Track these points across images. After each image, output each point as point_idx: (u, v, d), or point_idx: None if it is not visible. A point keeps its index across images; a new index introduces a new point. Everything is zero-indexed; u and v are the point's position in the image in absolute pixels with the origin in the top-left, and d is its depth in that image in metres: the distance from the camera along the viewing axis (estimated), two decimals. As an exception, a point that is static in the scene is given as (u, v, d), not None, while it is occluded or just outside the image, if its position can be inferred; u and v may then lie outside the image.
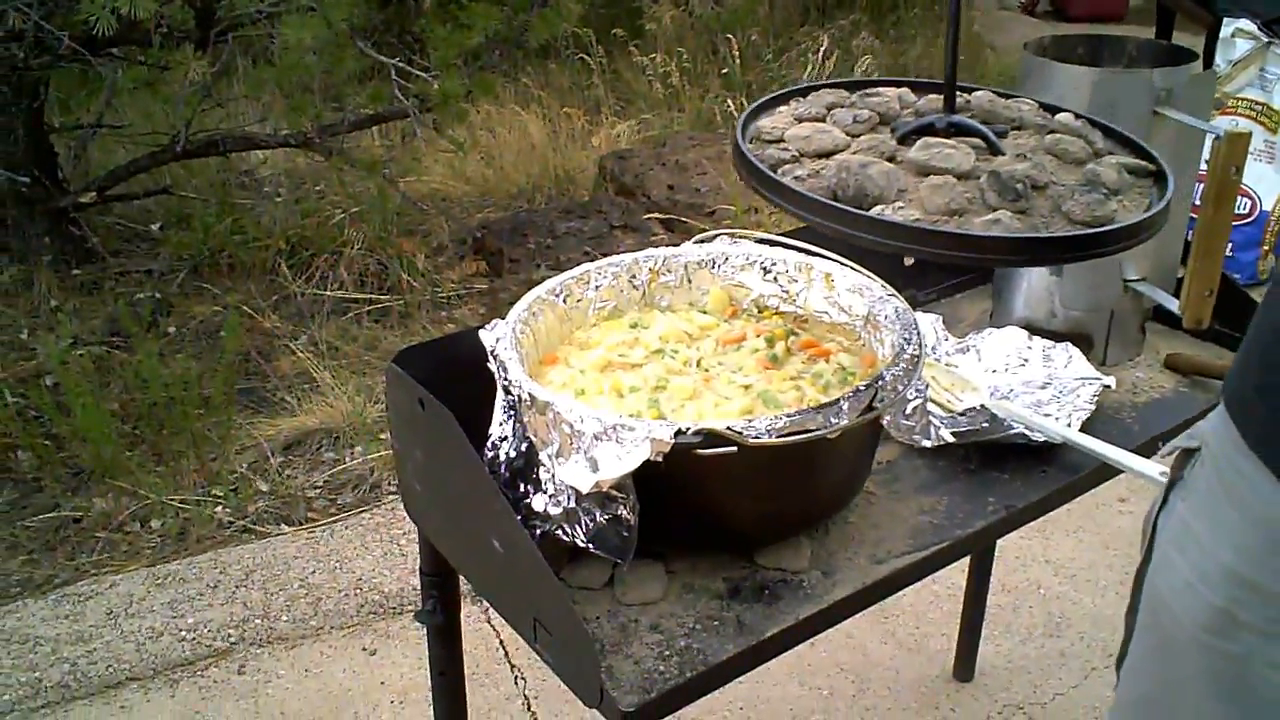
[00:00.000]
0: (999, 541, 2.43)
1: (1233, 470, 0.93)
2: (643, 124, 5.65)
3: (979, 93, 1.31)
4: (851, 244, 1.05)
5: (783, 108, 1.30)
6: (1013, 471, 1.39)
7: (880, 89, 1.32)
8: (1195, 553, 0.96)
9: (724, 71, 5.89)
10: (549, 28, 4.67)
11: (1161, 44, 1.66)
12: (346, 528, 3.01)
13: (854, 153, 1.16)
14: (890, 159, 1.15)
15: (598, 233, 4.38)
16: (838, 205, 1.06)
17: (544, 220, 4.53)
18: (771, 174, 1.12)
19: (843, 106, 1.27)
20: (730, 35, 5.93)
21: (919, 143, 1.16)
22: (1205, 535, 0.95)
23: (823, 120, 1.25)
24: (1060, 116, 1.28)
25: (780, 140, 1.21)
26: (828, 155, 1.17)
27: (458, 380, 1.24)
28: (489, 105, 5.30)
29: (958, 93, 1.24)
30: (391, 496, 3.11)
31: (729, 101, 5.24)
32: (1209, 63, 4.70)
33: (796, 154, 1.17)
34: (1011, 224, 1.05)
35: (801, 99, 1.32)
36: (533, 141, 5.28)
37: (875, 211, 1.06)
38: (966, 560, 2.39)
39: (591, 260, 1.46)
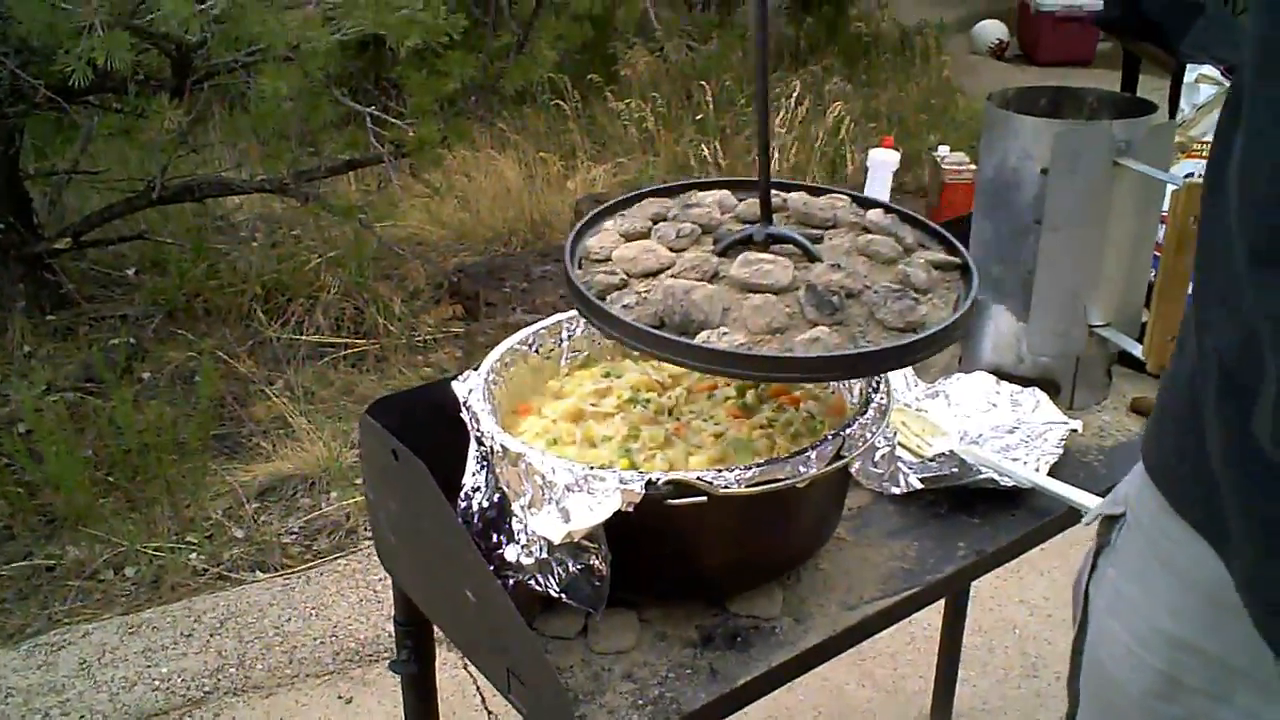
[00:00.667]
0: (974, 583, 2.45)
1: (1162, 535, 0.94)
2: (618, 168, 5.70)
3: (794, 194, 1.36)
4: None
5: (609, 223, 1.33)
6: (983, 516, 1.41)
7: (700, 195, 1.37)
8: (1132, 618, 0.97)
9: (698, 117, 5.95)
10: (524, 74, 4.72)
11: (1123, 95, 1.69)
12: (322, 574, 3.00)
13: (679, 272, 1.20)
14: (714, 275, 1.19)
15: (574, 276, 4.40)
16: (665, 335, 1.10)
17: (520, 264, 4.55)
18: (599, 302, 1.15)
19: (666, 219, 1.31)
20: (704, 81, 6.00)
21: (740, 258, 1.20)
22: (1140, 601, 0.96)
23: (647, 235, 1.29)
24: (871, 214, 1.34)
25: (608, 260, 1.24)
26: (654, 275, 1.21)
27: (431, 430, 1.25)
28: (465, 150, 5.34)
29: (775, 192, 1.31)
30: (367, 542, 3.10)
31: (703, 146, 5.30)
32: (1174, 107, 4.77)
33: (624, 277, 1.21)
34: (830, 339, 1.10)
35: (626, 211, 1.35)
36: (509, 186, 5.32)
37: (701, 339, 1.10)
38: (942, 602, 2.40)
39: (568, 304, 1.47)
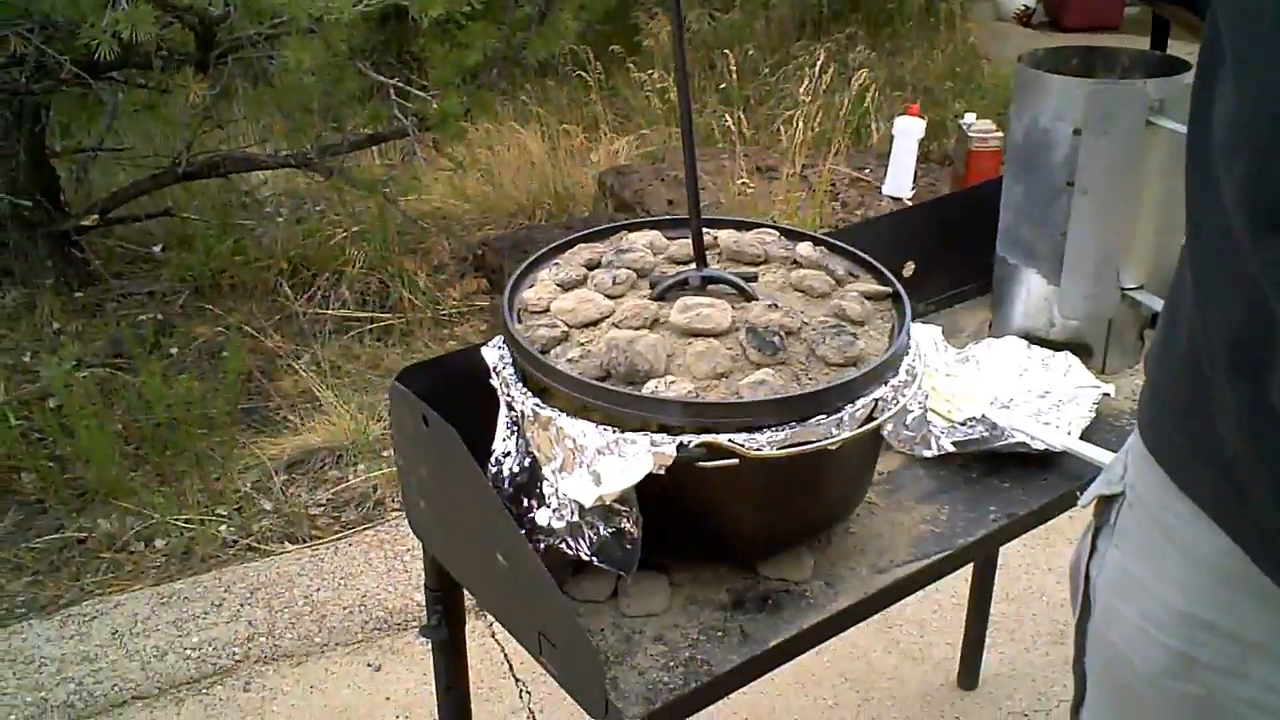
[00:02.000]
0: (1002, 549, 2.44)
1: (1168, 513, 0.92)
2: (641, 139, 5.67)
3: (723, 232, 1.39)
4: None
5: (543, 272, 1.34)
6: (1013, 480, 1.40)
7: (632, 237, 1.39)
8: (1142, 598, 0.95)
9: (721, 86, 5.92)
10: (547, 45, 4.69)
11: (1155, 54, 1.67)
12: (350, 545, 3.02)
13: (619, 321, 1.21)
14: (655, 322, 1.20)
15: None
16: (612, 388, 1.10)
17: (544, 237, 4.54)
18: (542, 358, 1.16)
19: (600, 266, 1.32)
20: (727, 51, 5.95)
21: (679, 303, 1.21)
22: (1150, 580, 0.94)
23: (584, 284, 1.29)
24: (800, 247, 1.35)
25: (547, 312, 1.25)
26: (595, 325, 1.22)
27: (461, 397, 1.25)
28: (488, 123, 5.32)
29: (705, 230, 1.34)
30: (395, 513, 3.12)
31: (727, 116, 5.26)
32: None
33: (565, 328, 1.22)
34: (775, 381, 1.11)
35: (559, 258, 1.37)
36: (532, 159, 5.30)
37: (649, 389, 1.11)
38: (969, 569, 2.39)
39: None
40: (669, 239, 1.40)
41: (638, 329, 1.19)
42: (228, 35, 3.82)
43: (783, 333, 1.16)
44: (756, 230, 1.40)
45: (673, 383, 1.11)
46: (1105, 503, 1.02)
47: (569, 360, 1.16)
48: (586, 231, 1.43)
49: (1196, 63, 0.84)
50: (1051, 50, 1.69)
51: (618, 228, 1.43)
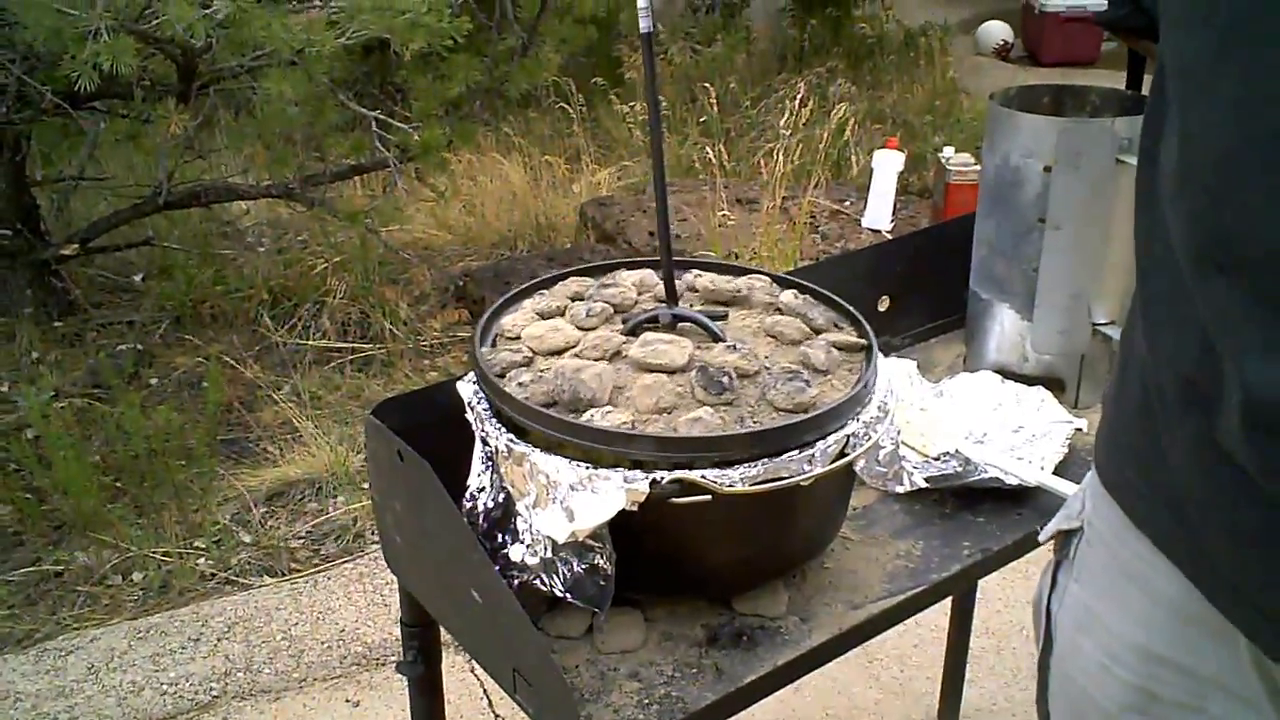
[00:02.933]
0: (981, 583, 2.45)
1: (1126, 549, 0.93)
2: (623, 171, 5.70)
3: (708, 275, 1.41)
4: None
5: (528, 301, 1.36)
6: (988, 515, 1.41)
7: (623, 274, 1.41)
8: (1103, 635, 0.96)
9: (702, 119, 5.96)
10: (529, 77, 4.73)
11: (1125, 93, 1.69)
12: (329, 578, 3.00)
13: (581, 351, 1.23)
14: (615, 354, 1.22)
15: (579, 279, 4.41)
16: (550, 414, 1.12)
17: (526, 268, 4.55)
18: (496, 380, 1.18)
19: (583, 299, 1.34)
20: (708, 84, 6.00)
21: (640, 338, 1.23)
22: (1111, 616, 0.95)
23: (562, 314, 1.31)
24: (785, 295, 1.37)
25: (517, 339, 1.27)
26: (560, 353, 1.24)
27: (437, 431, 1.25)
28: (470, 154, 5.35)
29: (692, 271, 1.40)
30: (375, 546, 3.11)
31: (708, 148, 5.30)
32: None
33: (530, 354, 1.24)
34: (713, 419, 1.12)
35: (547, 290, 1.38)
36: (514, 189, 5.32)
37: (586, 417, 1.12)
38: (949, 603, 2.39)
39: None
40: (660, 278, 1.41)
41: (596, 360, 1.21)
42: (209, 66, 3.83)
43: (734, 374, 1.18)
44: (748, 275, 1.42)
45: (609, 413, 1.13)
46: (1065, 537, 1.03)
47: (519, 384, 1.18)
48: (581, 266, 1.44)
49: (1146, 105, 0.86)
50: (1023, 89, 1.71)
51: (613, 265, 1.45)
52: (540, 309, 1.33)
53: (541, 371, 1.21)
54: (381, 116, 4.01)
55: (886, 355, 1.75)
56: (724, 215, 4.83)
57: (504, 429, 1.18)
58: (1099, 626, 0.96)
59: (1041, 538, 1.08)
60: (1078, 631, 0.99)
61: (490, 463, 1.22)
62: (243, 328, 4.28)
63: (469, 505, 1.23)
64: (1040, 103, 1.70)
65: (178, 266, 4.52)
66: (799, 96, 5.33)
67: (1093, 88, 1.73)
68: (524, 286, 1.39)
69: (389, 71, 5.30)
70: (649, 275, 1.42)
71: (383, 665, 2.71)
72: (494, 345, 1.28)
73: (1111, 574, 0.95)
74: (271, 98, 3.47)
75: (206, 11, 3.11)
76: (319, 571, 3.04)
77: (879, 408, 1.20)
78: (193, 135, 4.25)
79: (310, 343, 4.15)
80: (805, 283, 1.41)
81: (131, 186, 4.73)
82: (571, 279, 1.41)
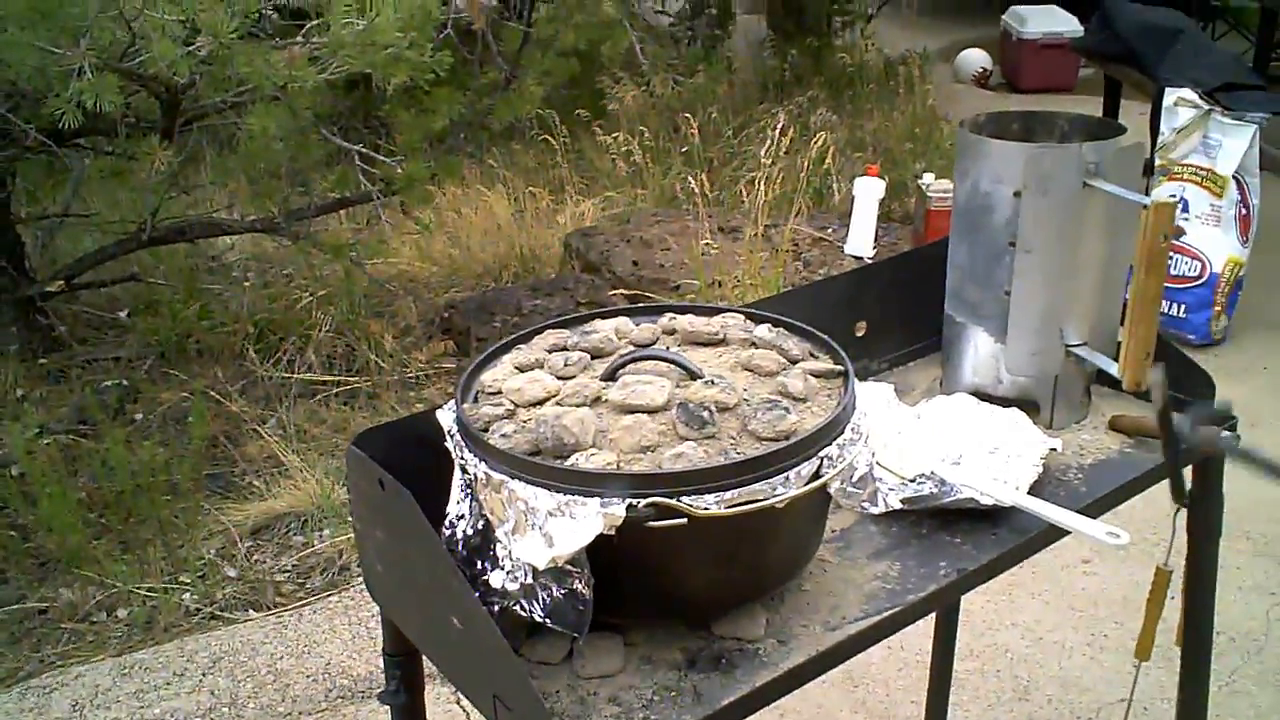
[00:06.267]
0: (964, 606, 2.46)
1: None
2: (607, 202, 5.73)
3: (685, 316, 1.43)
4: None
5: (507, 356, 1.38)
6: (964, 535, 1.42)
7: (598, 323, 1.43)
8: None
9: (685, 149, 6.00)
10: (512, 110, 4.76)
11: (1093, 118, 1.72)
12: (314, 611, 3.00)
13: (562, 399, 1.25)
14: (595, 399, 1.24)
15: (564, 310, 4.42)
16: (535, 460, 1.14)
17: (511, 299, 4.57)
18: (481, 434, 1.19)
19: (561, 349, 1.37)
20: (690, 114, 6.05)
21: (620, 381, 1.25)
22: None
23: (541, 366, 1.33)
24: (759, 330, 1.40)
25: (498, 394, 1.29)
26: (541, 404, 1.26)
27: (418, 460, 1.27)
28: (455, 186, 5.37)
29: (668, 315, 1.43)
30: (360, 578, 3.11)
31: (690, 178, 5.34)
32: (1155, 131, 4.83)
33: (511, 407, 1.25)
34: (696, 454, 1.14)
35: (524, 345, 1.40)
36: (499, 221, 5.35)
37: (571, 461, 1.14)
38: (933, 626, 2.40)
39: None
40: (635, 324, 1.45)
41: (578, 406, 1.23)
42: (193, 103, 3.86)
43: (715, 408, 1.20)
44: (722, 315, 1.45)
45: (594, 455, 1.14)
46: None
47: (503, 435, 1.19)
48: (555, 320, 1.46)
49: None
50: (993, 115, 1.74)
51: (589, 316, 1.47)
52: (519, 362, 1.35)
53: (524, 422, 1.22)
54: (365, 150, 4.04)
55: (865, 379, 1.77)
56: (707, 244, 4.86)
57: (482, 456, 1.19)
58: None
59: None
60: None
61: (469, 490, 1.23)
62: (228, 362, 4.28)
63: (449, 532, 1.24)
64: (1010, 129, 1.73)
65: (163, 302, 4.53)
66: (780, 125, 5.37)
67: (1061, 113, 1.76)
68: (500, 344, 1.41)
69: (373, 105, 5.33)
70: (624, 323, 1.44)
71: (369, 698, 2.71)
72: (475, 401, 1.30)
73: None
74: (255, 133, 3.49)
75: (190, 49, 3.14)
76: (304, 605, 3.03)
77: (853, 430, 1.22)
78: (177, 171, 4.26)
79: (296, 376, 4.15)
80: (778, 316, 1.43)
81: (116, 222, 4.74)
82: (549, 331, 1.43)
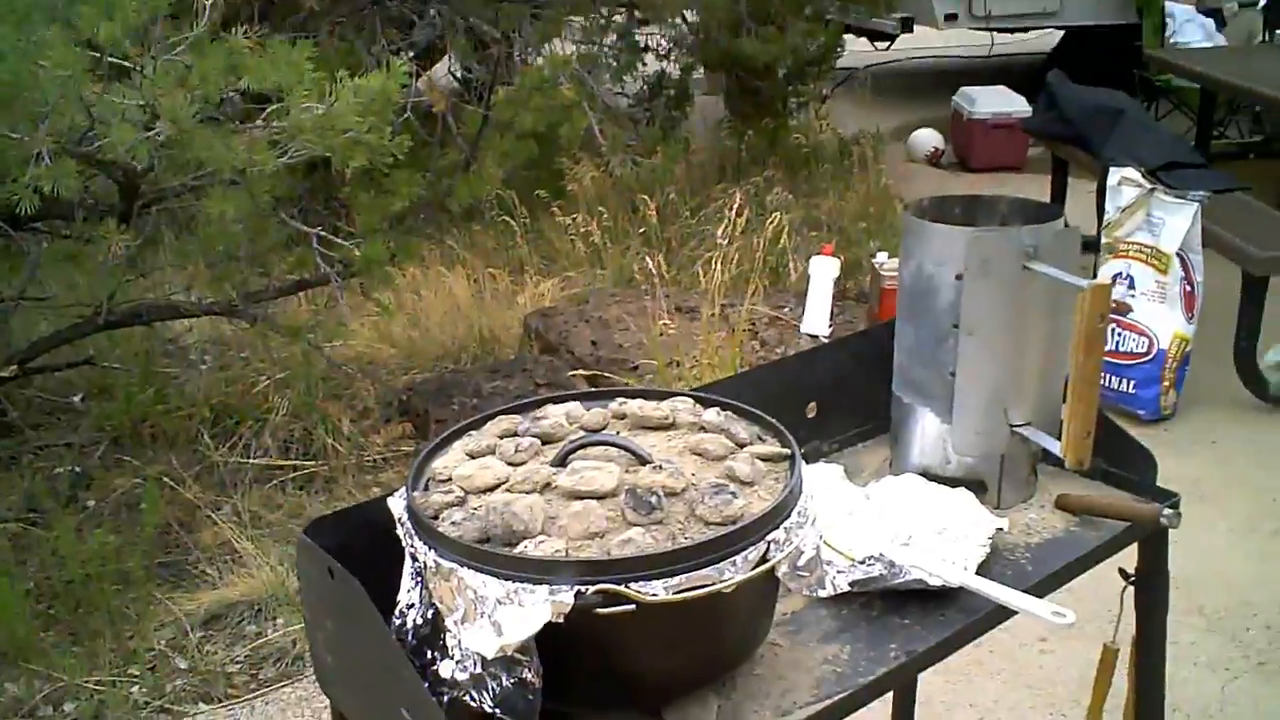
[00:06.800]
0: (922, 686, 2.45)
1: None
2: (566, 282, 5.76)
3: (635, 401, 1.45)
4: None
5: (458, 443, 1.40)
6: (914, 616, 1.43)
7: (550, 408, 1.45)
8: None
9: (643, 230, 6.06)
10: (472, 192, 4.81)
11: (1032, 201, 1.77)
12: (267, 703, 2.94)
13: (512, 485, 1.26)
14: (545, 485, 1.26)
15: (523, 391, 4.43)
16: (484, 549, 1.15)
17: (470, 381, 4.57)
18: (431, 522, 1.20)
19: (512, 435, 1.38)
20: (648, 195, 6.12)
21: (569, 467, 1.27)
22: None
23: (492, 452, 1.35)
24: (707, 414, 1.42)
25: (448, 481, 1.30)
26: (491, 490, 1.27)
27: (371, 548, 1.27)
28: (414, 268, 5.39)
29: (618, 399, 1.45)
30: (313, 669, 3.06)
31: (648, 258, 5.39)
32: (1101, 209, 4.92)
33: (462, 494, 1.27)
34: (644, 540, 1.15)
35: (475, 431, 1.42)
36: (458, 302, 5.36)
37: (520, 548, 1.15)
38: (890, 707, 2.40)
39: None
40: (586, 408, 1.46)
41: (528, 492, 1.23)
42: (152, 187, 3.86)
43: (663, 493, 1.21)
44: (671, 399, 1.47)
45: (543, 542, 1.14)
46: None
47: (452, 523, 1.19)
48: (507, 406, 1.47)
49: None
50: (936, 199, 1.78)
51: (541, 401, 1.48)
52: (470, 449, 1.36)
53: (474, 509, 1.23)
54: (323, 234, 4.05)
55: (816, 461, 1.79)
56: (665, 324, 4.89)
57: (432, 545, 1.19)
58: None
59: None
60: None
61: (419, 578, 1.23)
62: (183, 447, 4.24)
63: (399, 622, 1.24)
64: (953, 213, 1.77)
65: (118, 386, 4.49)
66: (737, 205, 5.45)
67: (1002, 197, 1.81)
68: (451, 430, 1.42)
69: (332, 187, 5.36)
70: (575, 408, 1.46)
71: (323, 790, 2.65)
72: (426, 489, 1.30)
73: None
74: (213, 218, 3.50)
75: (149, 134, 3.16)
76: (257, 696, 2.98)
77: (799, 514, 1.23)
78: (135, 254, 4.26)
79: (251, 461, 4.12)
80: (726, 400, 1.45)
81: (73, 306, 4.70)
82: (500, 417, 1.44)
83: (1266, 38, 8.04)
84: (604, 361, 4.71)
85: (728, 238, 5.15)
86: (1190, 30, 7.80)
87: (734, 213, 5.29)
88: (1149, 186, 4.41)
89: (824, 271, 5.02)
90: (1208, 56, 6.90)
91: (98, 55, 2.93)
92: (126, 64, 3.00)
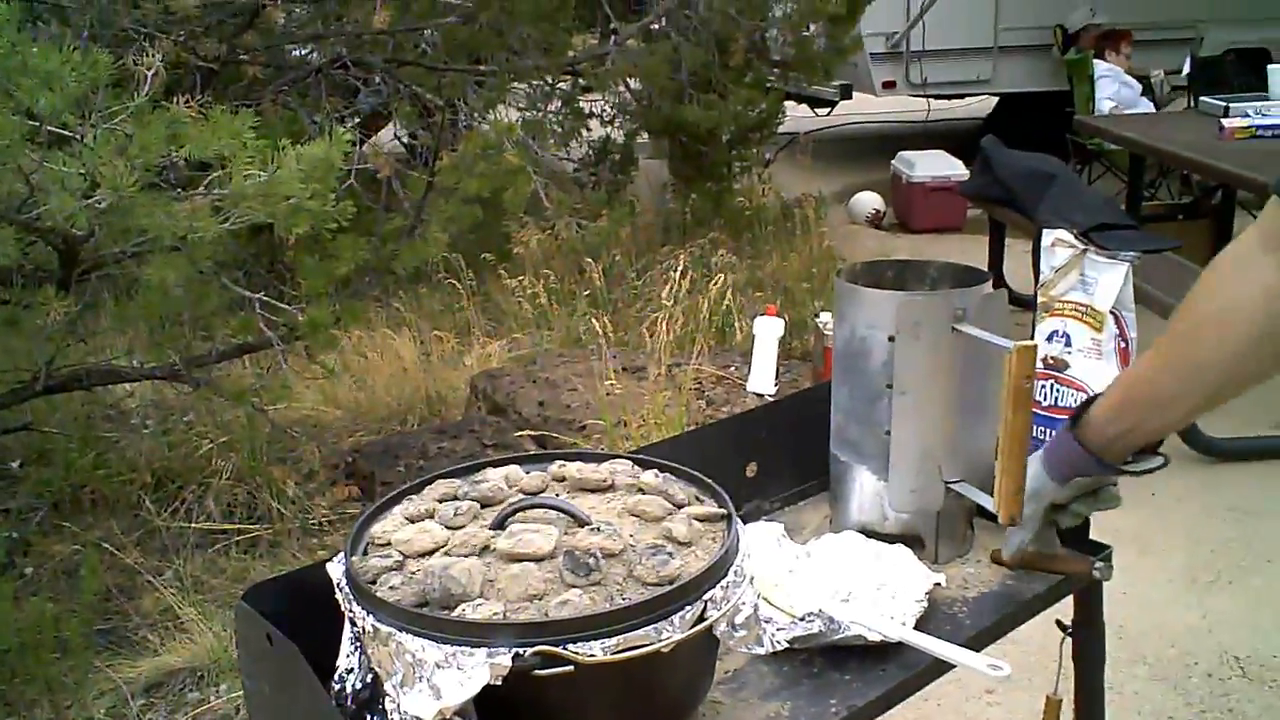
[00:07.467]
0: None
1: None
2: (513, 343, 5.79)
3: (574, 464, 1.48)
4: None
5: (397, 508, 1.41)
6: (854, 672, 1.45)
7: (489, 471, 1.47)
8: None
9: (589, 292, 6.11)
10: (417, 255, 4.82)
11: (960, 265, 1.83)
12: (209, 772, 2.89)
13: (450, 549, 1.28)
14: (484, 549, 1.27)
15: (470, 452, 4.42)
16: (422, 613, 1.16)
17: (416, 442, 4.56)
18: (368, 587, 1.22)
19: (451, 499, 1.40)
20: (594, 257, 6.18)
21: (508, 530, 1.29)
22: None
23: (431, 516, 1.37)
24: (645, 475, 1.45)
25: (387, 545, 1.32)
26: (429, 555, 1.29)
27: (311, 613, 1.27)
28: (360, 330, 5.38)
29: (557, 462, 1.47)
30: (258, 735, 3.01)
31: (594, 320, 5.43)
32: (1037, 269, 5.01)
33: (400, 558, 1.28)
34: (581, 602, 1.17)
35: (415, 495, 1.44)
36: (405, 364, 5.36)
37: (458, 612, 1.17)
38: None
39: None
40: (525, 471, 1.47)
41: (466, 555, 1.24)
42: (92, 253, 3.84)
43: (601, 554, 1.23)
44: (610, 461, 1.49)
45: (481, 605, 1.15)
46: None
47: (390, 587, 1.20)
48: (446, 470, 1.48)
49: None
50: (868, 264, 1.84)
51: (480, 465, 1.50)
52: (409, 513, 1.37)
53: (413, 573, 1.23)
54: (266, 298, 4.04)
55: (757, 519, 1.81)
56: (611, 384, 4.92)
57: (369, 609, 1.20)
58: None
59: None
60: None
61: (359, 643, 1.23)
62: (124, 512, 4.18)
63: (338, 687, 1.24)
64: (885, 277, 1.83)
65: (58, 451, 4.42)
66: (682, 267, 5.51)
67: (933, 262, 1.86)
68: (390, 495, 1.43)
69: (277, 251, 5.36)
70: (515, 471, 1.47)
71: None
72: (365, 553, 1.31)
73: None
74: (154, 284, 3.48)
75: (89, 201, 3.15)
76: (198, 765, 2.92)
77: (735, 572, 1.25)
78: (75, 319, 4.22)
79: (194, 525, 4.06)
80: (664, 461, 1.47)
81: (10, 372, 4.64)
82: (439, 481, 1.45)
83: (1191, 104, 8.31)
84: (551, 422, 4.71)
85: (673, 298, 5.21)
86: (1107, 86, 8.05)
87: (679, 274, 5.36)
88: (1081, 247, 4.52)
89: (768, 331, 5.08)
90: (1135, 122, 7.12)
91: (37, 124, 2.92)
92: (66, 133, 3.00)
